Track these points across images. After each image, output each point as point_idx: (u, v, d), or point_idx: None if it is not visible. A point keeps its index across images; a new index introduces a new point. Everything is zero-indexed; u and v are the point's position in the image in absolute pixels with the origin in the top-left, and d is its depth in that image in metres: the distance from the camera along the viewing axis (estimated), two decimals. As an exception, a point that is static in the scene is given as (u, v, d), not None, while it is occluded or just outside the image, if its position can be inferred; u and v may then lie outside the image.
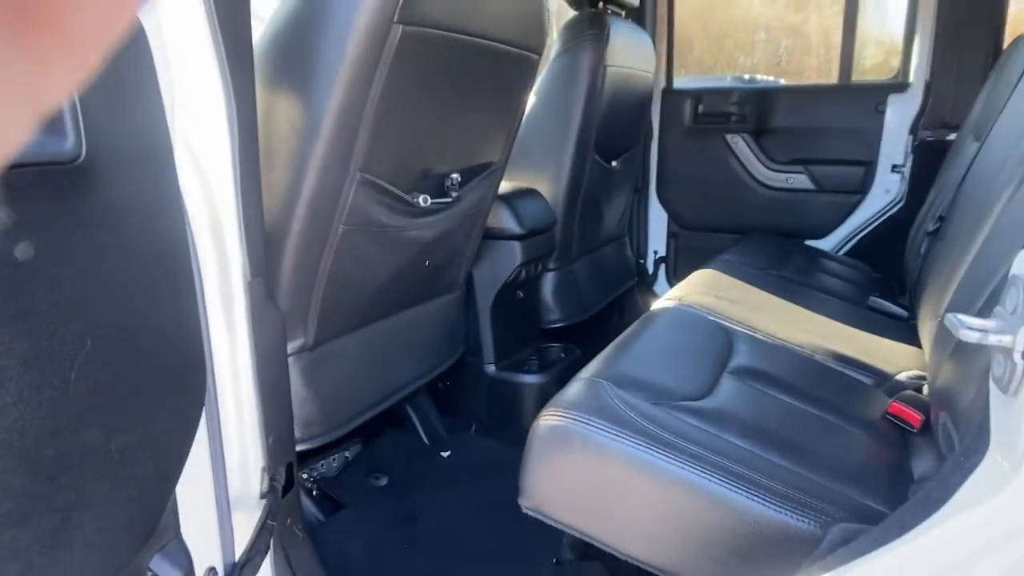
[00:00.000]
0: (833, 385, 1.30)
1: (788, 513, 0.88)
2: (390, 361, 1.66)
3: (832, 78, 2.70)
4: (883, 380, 1.35)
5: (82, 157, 0.64)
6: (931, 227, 1.64)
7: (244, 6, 1.00)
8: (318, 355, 1.45)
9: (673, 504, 0.94)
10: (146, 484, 0.76)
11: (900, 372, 1.37)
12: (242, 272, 1.08)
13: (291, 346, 1.38)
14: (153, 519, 0.80)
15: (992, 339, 0.57)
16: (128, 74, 0.73)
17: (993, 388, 0.61)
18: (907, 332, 1.63)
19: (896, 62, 2.58)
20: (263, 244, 1.12)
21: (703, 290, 1.68)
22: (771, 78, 3.54)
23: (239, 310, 1.08)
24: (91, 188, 0.66)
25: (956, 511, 0.59)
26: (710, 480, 0.92)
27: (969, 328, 0.59)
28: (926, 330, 1.40)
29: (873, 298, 1.86)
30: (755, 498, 0.90)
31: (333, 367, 1.49)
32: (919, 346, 1.52)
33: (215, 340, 1.05)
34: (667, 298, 1.62)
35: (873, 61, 3.48)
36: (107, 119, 0.68)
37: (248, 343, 1.10)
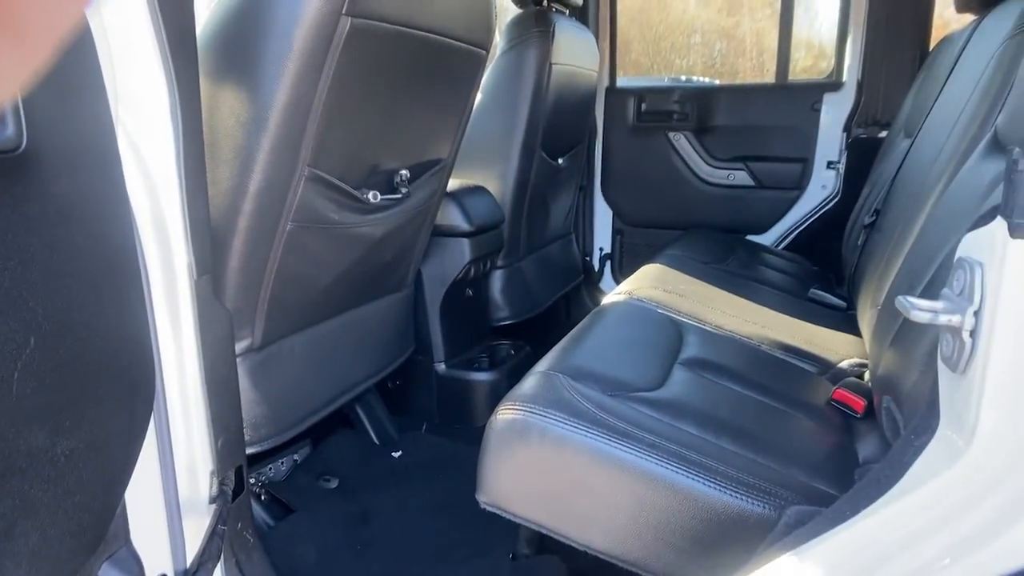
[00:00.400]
0: (779, 374, 1.34)
1: (743, 498, 0.90)
2: (339, 361, 1.63)
3: (764, 79, 2.78)
4: (826, 368, 1.39)
5: (23, 147, 0.61)
6: (867, 220, 1.70)
7: None
8: (266, 355, 1.42)
9: (632, 493, 0.95)
10: (94, 489, 0.73)
11: (842, 360, 1.42)
12: (188, 270, 1.05)
13: (238, 346, 1.34)
14: (102, 526, 0.77)
15: (942, 319, 0.60)
16: (71, 65, 0.70)
17: (942, 368, 0.64)
18: (846, 322, 1.69)
19: (824, 65, 2.67)
20: (209, 241, 1.09)
21: (652, 284, 1.70)
22: (707, 79, 3.61)
23: (185, 310, 1.05)
24: (33, 180, 0.63)
25: (910, 487, 0.61)
26: (668, 468, 0.94)
27: (920, 309, 0.61)
28: (865, 319, 1.45)
29: (813, 290, 1.92)
30: (711, 484, 0.92)
31: (281, 367, 1.45)
32: (859, 335, 1.58)
33: (161, 341, 1.01)
34: (617, 292, 1.64)
35: (802, 64, 3.59)
36: (49, 109, 0.65)
37: (195, 344, 1.07)
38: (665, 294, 1.63)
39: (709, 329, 1.47)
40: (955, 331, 0.60)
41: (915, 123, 1.70)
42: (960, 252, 0.62)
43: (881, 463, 0.68)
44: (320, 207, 1.35)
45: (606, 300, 1.63)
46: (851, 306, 1.78)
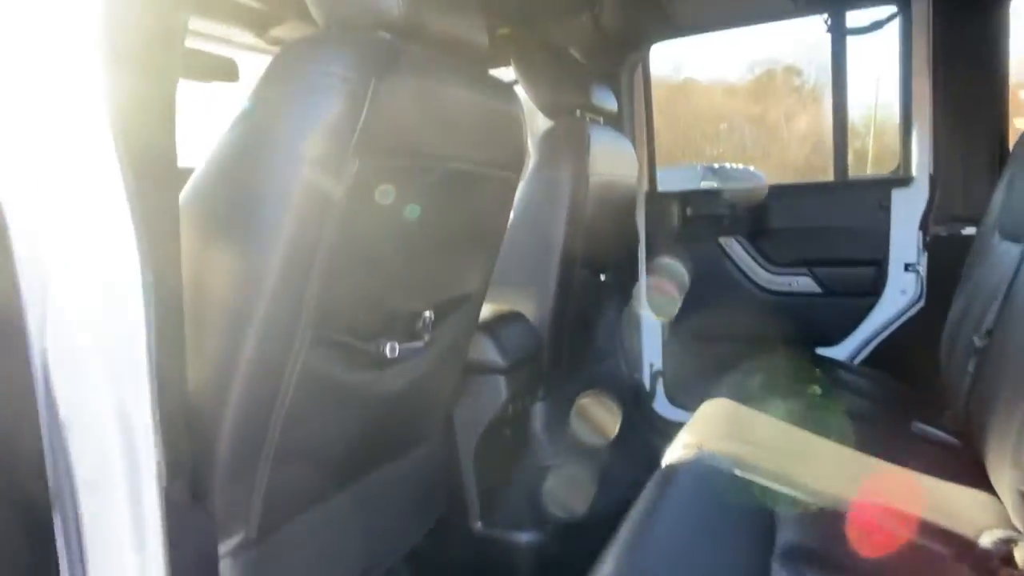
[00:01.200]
0: (905, 564, 1.06)
1: None
2: (354, 541, 1.38)
3: (796, 160, 2.59)
4: (963, 550, 1.10)
5: None
6: (979, 343, 1.43)
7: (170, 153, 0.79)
8: (264, 549, 1.17)
9: None
10: None
11: (980, 534, 1.13)
12: (157, 478, 0.83)
13: (230, 543, 1.11)
14: None
15: None
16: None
17: None
18: (966, 469, 1.39)
19: (867, 160, 2.45)
20: (187, 437, 0.88)
21: (722, 431, 1.44)
22: (739, 165, 3.46)
23: (152, 526, 0.83)
24: None
25: None
26: None
27: None
28: (1004, 479, 1.17)
29: (916, 424, 1.63)
30: None
31: (284, 562, 1.21)
32: (989, 488, 1.28)
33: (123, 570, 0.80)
34: (684, 445, 1.38)
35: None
36: None
37: (163, 568, 0.84)
38: (741, 446, 1.36)
39: (805, 498, 1.20)
40: None
41: (1020, 225, 1.45)
42: None
43: None
44: (328, 371, 1.14)
45: (671, 455, 1.37)
46: (967, 443, 1.49)
